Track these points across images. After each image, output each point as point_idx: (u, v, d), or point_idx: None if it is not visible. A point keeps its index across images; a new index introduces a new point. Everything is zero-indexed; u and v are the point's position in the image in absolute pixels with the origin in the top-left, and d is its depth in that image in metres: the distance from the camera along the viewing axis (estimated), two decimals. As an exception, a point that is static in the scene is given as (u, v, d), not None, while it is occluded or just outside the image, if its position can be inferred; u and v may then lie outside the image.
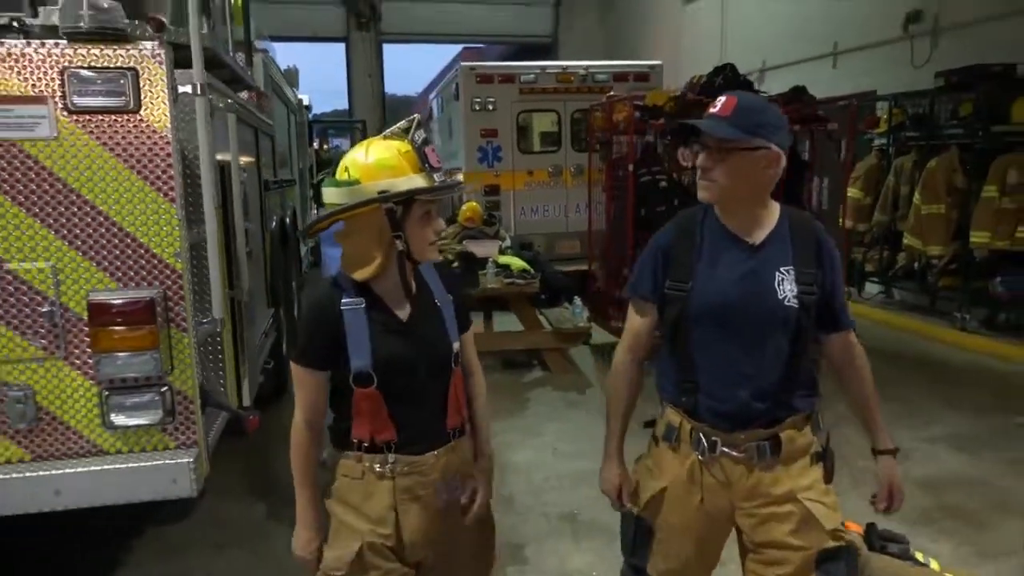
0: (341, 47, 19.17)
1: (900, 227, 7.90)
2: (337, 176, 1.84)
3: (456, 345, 2.02)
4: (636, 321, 2.18)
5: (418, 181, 1.82)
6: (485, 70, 9.87)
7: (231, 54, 4.07)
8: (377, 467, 1.90)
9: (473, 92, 9.54)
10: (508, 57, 22.60)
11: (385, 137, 1.88)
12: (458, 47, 26.60)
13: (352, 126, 17.22)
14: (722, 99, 1.97)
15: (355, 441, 1.91)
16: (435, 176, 1.85)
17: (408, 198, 1.81)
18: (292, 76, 9.91)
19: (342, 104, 21.02)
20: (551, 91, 9.75)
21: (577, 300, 7.02)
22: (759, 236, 2.02)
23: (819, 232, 2.06)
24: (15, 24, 2.58)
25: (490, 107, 9.56)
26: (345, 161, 1.85)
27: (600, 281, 7.50)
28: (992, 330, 7.34)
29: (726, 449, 2.01)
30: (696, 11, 14.14)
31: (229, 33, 4.27)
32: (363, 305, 1.87)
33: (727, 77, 6.62)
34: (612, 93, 7.98)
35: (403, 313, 1.94)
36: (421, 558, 1.99)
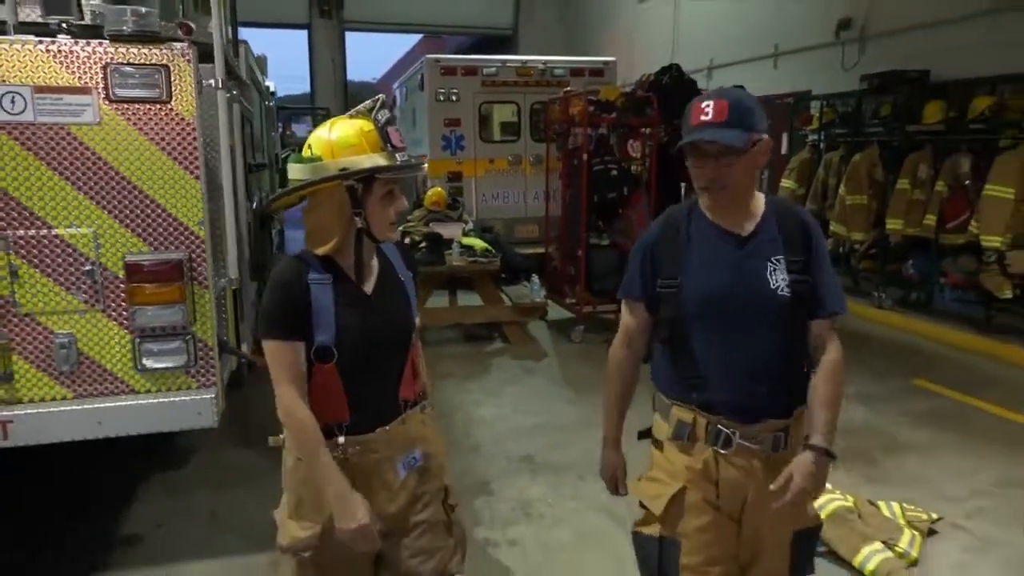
0: (302, 33, 19.42)
1: (828, 216, 8.64)
2: (302, 153, 1.89)
3: (418, 320, 2.07)
4: (628, 320, 2.19)
5: (379, 160, 1.84)
6: (449, 62, 10.37)
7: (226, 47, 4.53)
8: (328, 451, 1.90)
9: (438, 83, 10.03)
10: (469, 48, 23.03)
11: (351, 116, 1.92)
12: (419, 36, 26.93)
13: (315, 112, 17.54)
14: (710, 103, 1.90)
15: None
16: (397, 156, 1.87)
17: (369, 176, 1.84)
18: (262, 63, 10.29)
19: (299, 88, 21.28)
20: (511, 84, 10.28)
21: (535, 278, 7.61)
22: (747, 227, 2.00)
23: (805, 217, 2.06)
24: (64, 25, 3.05)
25: (454, 98, 10.06)
26: (310, 139, 1.89)
27: (556, 261, 8.11)
28: (904, 307, 8.15)
29: (743, 442, 1.99)
30: (649, 10, 14.82)
31: (224, 27, 4.72)
32: (331, 280, 1.88)
33: (672, 76, 7.27)
34: (569, 88, 8.57)
35: (368, 287, 1.96)
36: (385, 530, 1.99)
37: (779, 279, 1.95)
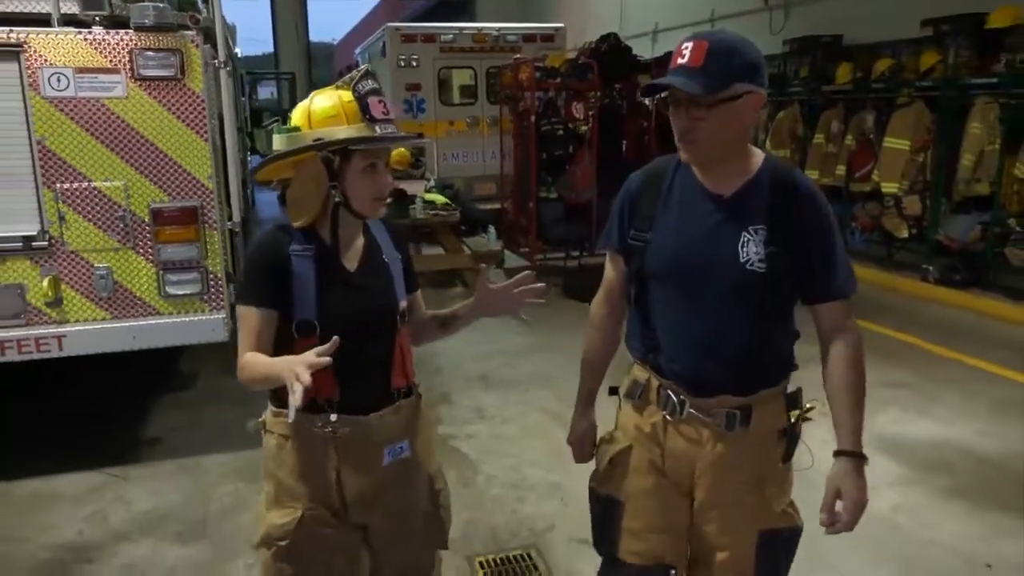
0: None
1: (757, 169, 9.53)
2: (286, 124, 1.86)
3: (403, 304, 1.97)
4: (609, 272, 2.03)
5: (356, 131, 1.77)
6: (409, 31, 11.02)
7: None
8: (318, 425, 1.82)
9: (398, 50, 10.68)
10: (429, 10, 23.45)
11: (336, 87, 1.85)
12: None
13: (280, 77, 17.99)
14: (689, 44, 1.68)
15: None
16: (377, 128, 1.78)
17: (346, 148, 1.77)
18: (232, 33, 10.85)
19: (260, 49, 21.62)
20: (468, 50, 10.96)
21: (491, 229, 8.44)
22: (730, 189, 1.78)
23: (803, 186, 1.79)
24: (97, 19, 3.75)
25: (414, 63, 10.72)
26: (294, 110, 1.87)
27: (510, 213, 8.93)
28: (823, 251, 9.11)
29: (694, 411, 1.84)
30: (600, -25, 15.51)
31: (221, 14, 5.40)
32: (311, 252, 1.81)
33: (611, 44, 8.01)
34: (520, 55, 9.30)
35: (351, 265, 1.90)
36: (367, 520, 1.94)
37: (751, 251, 1.74)
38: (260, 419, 1.96)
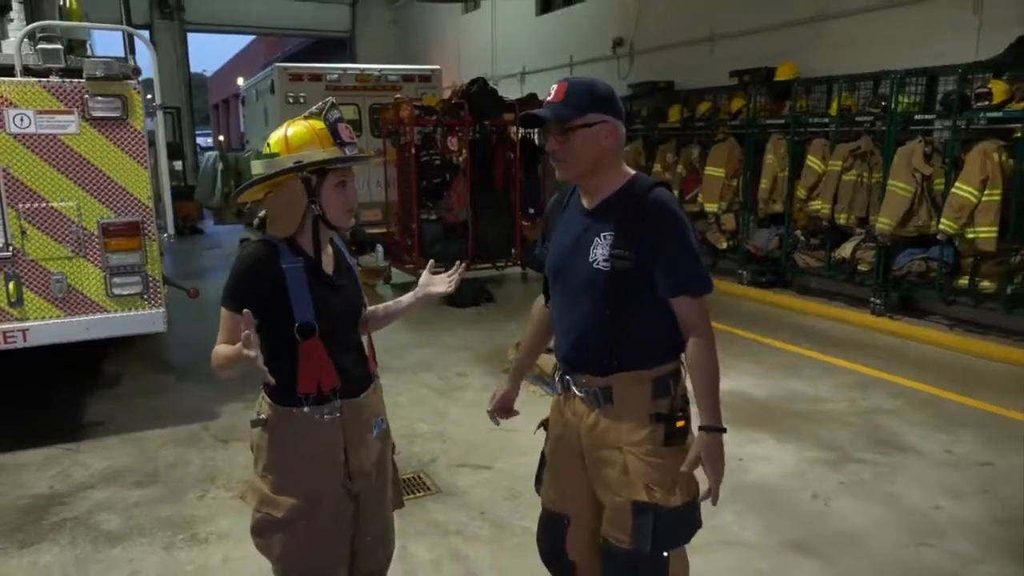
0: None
1: (609, 194, 11.04)
2: (262, 151, 2.08)
3: (366, 299, 2.30)
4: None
5: (329, 153, 2.03)
6: (296, 70, 11.98)
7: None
8: (327, 414, 2.09)
9: (287, 88, 11.61)
10: (308, 48, 24.28)
11: (306, 118, 2.10)
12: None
13: (165, 111, 18.32)
14: (554, 87, 2.07)
15: (302, 396, 2.07)
16: (346, 149, 2.05)
17: (320, 168, 2.02)
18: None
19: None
20: (352, 88, 12.00)
21: (379, 248, 9.48)
22: (594, 203, 2.14)
23: (651, 198, 2.06)
24: (54, 70, 4.62)
25: (302, 100, 11.62)
26: (269, 138, 2.09)
27: (396, 234, 10.01)
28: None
29: (574, 389, 2.22)
30: (471, 21, 16.95)
31: (155, 67, 6.27)
32: (300, 263, 2.05)
33: (479, 86, 9.30)
34: (400, 94, 10.45)
35: (328, 269, 2.16)
36: (361, 490, 2.21)
37: (598, 253, 2.08)
38: (259, 416, 2.16)
